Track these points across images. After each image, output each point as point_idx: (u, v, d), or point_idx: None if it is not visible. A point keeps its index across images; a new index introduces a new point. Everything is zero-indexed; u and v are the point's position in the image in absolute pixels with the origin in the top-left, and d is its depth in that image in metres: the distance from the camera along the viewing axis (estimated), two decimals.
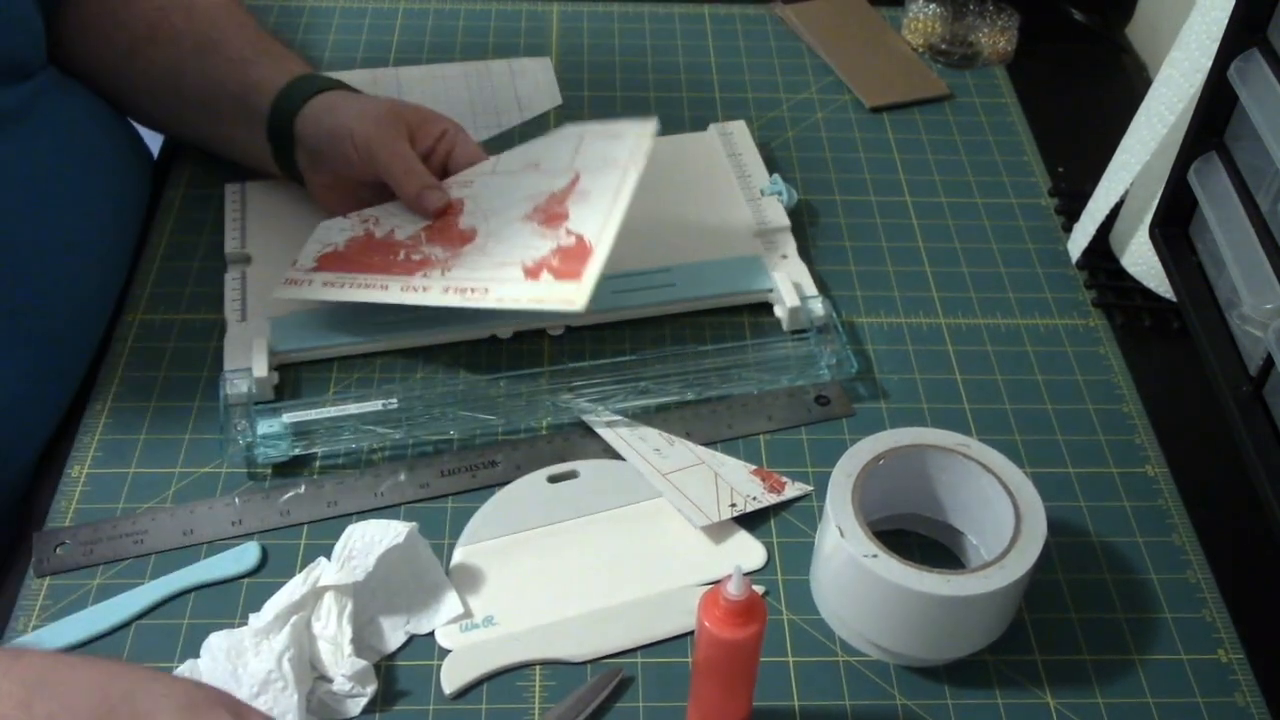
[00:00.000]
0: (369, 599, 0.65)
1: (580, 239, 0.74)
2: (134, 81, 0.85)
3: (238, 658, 0.61)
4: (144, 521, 0.69)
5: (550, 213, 0.77)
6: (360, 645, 0.64)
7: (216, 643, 0.62)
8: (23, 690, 0.52)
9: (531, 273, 0.73)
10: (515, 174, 0.81)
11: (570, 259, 0.73)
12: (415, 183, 0.79)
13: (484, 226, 0.78)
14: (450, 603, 0.66)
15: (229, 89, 0.82)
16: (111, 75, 0.85)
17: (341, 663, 0.62)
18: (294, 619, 0.62)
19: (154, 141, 0.96)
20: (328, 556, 0.65)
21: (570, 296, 0.71)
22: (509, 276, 0.73)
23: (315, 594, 0.64)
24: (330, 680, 0.62)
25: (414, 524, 0.65)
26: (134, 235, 0.86)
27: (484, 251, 0.76)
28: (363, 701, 0.62)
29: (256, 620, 0.63)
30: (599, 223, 0.74)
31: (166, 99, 0.85)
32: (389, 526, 0.65)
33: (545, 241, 0.75)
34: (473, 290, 0.73)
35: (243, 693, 0.60)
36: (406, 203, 0.80)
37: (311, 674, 0.62)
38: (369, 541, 0.64)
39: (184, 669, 0.62)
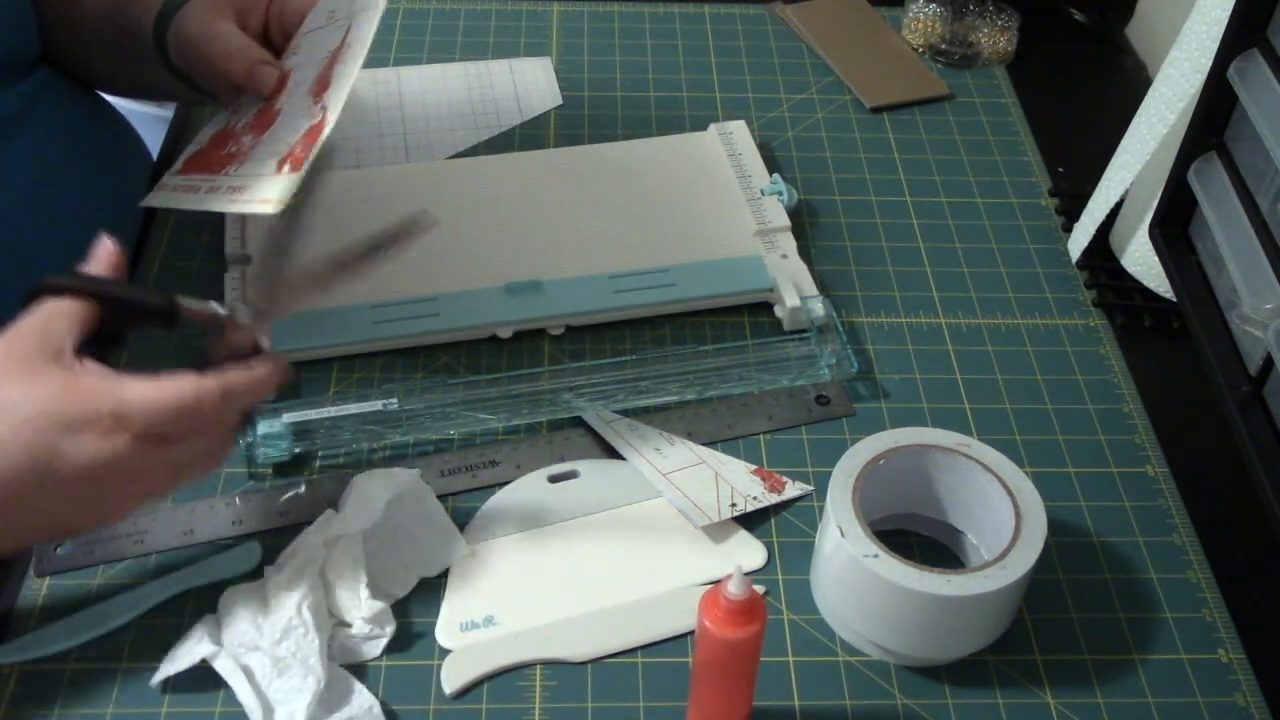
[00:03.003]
0: (378, 546, 0.66)
1: (325, 113, 0.66)
2: (80, 47, 0.82)
3: (258, 609, 0.62)
4: (144, 521, 0.69)
5: (324, 80, 0.68)
6: (373, 591, 0.65)
7: (233, 597, 0.63)
8: None
9: (280, 164, 0.66)
10: (320, 30, 0.74)
11: (307, 140, 0.66)
12: (240, 64, 0.71)
13: (286, 105, 0.71)
14: (457, 545, 0.68)
15: (136, 29, 0.77)
16: (72, 48, 0.83)
17: (359, 606, 0.63)
18: (309, 569, 0.63)
19: (154, 142, 0.96)
20: (335, 508, 0.66)
21: (272, 194, 0.64)
22: (265, 170, 0.67)
23: (327, 544, 0.65)
24: (349, 625, 0.64)
25: (417, 470, 0.67)
26: (134, 236, 0.86)
27: (273, 138, 0.70)
28: (382, 642, 0.64)
29: (272, 573, 0.64)
30: (340, 87, 0.66)
31: (102, 55, 0.82)
32: (394, 475, 0.67)
33: (306, 121, 0.67)
34: (240, 190, 0.68)
35: (264, 641, 0.61)
36: (245, 89, 0.73)
37: (330, 620, 0.63)
38: (375, 490, 0.66)
39: (201, 626, 0.63)
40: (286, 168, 0.64)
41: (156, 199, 0.76)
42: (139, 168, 0.89)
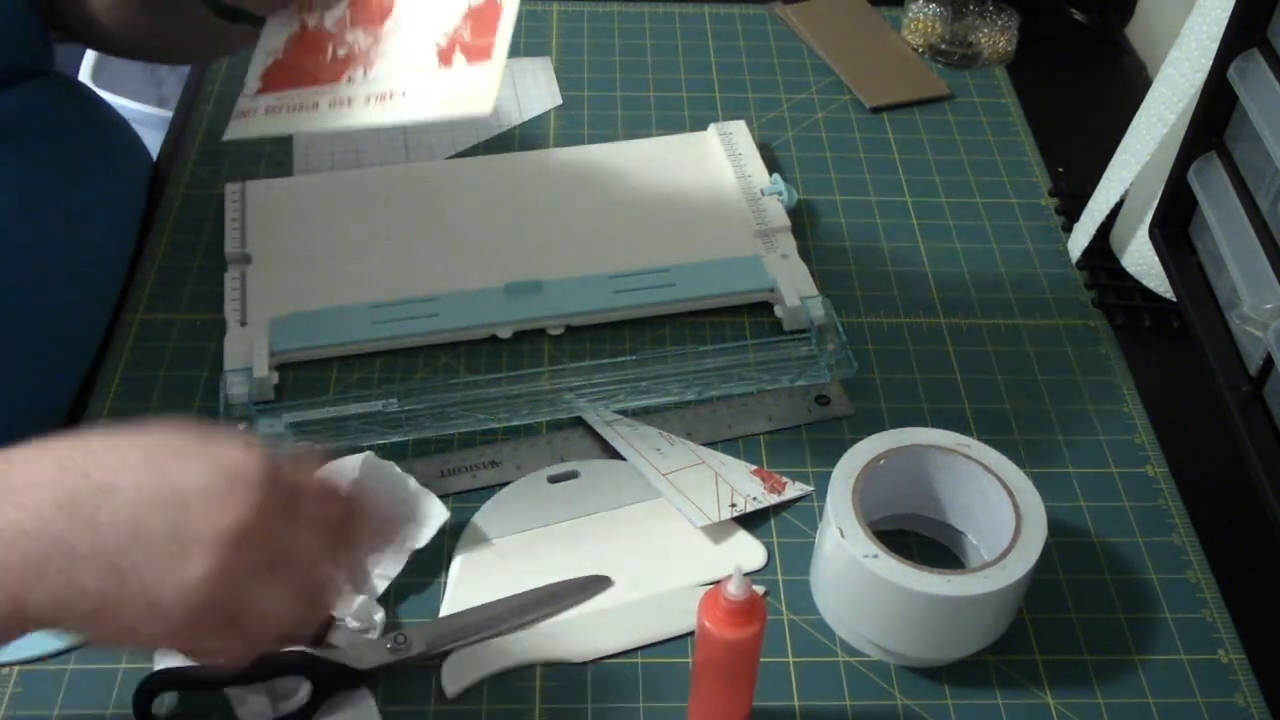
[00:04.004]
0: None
1: None
2: (97, 31, 0.79)
3: None
4: None
5: None
6: (365, 579, 0.65)
7: None
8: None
9: (444, 56, 0.62)
10: None
11: (481, 26, 0.61)
12: None
13: None
14: (437, 511, 0.68)
15: None
16: (90, 32, 0.80)
17: (343, 604, 0.63)
18: None
19: (154, 142, 0.96)
20: None
21: (479, 93, 0.60)
22: (423, 65, 0.63)
23: None
24: (340, 621, 0.64)
25: (366, 453, 0.67)
26: (132, 237, 0.86)
27: (400, 27, 0.65)
28: (373, 635, 0.64)
29: None
30: None
31: (126, 25, 0.78)
32: (342, 465, 0.66)
33: (458, 3, 0.62)
34: (390, 96, 0.63)
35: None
36: None
37: None
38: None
39: None
40: (459, 59, 0.60)
41: (244, 129, 0.68)
42: (138, 169, 0.89)
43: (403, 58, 0.64)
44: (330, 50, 0.66)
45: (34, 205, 0.74)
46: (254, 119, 0.68)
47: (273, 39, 0.70)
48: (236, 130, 0.69)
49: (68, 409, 0.76)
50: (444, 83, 0.61)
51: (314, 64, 0.67)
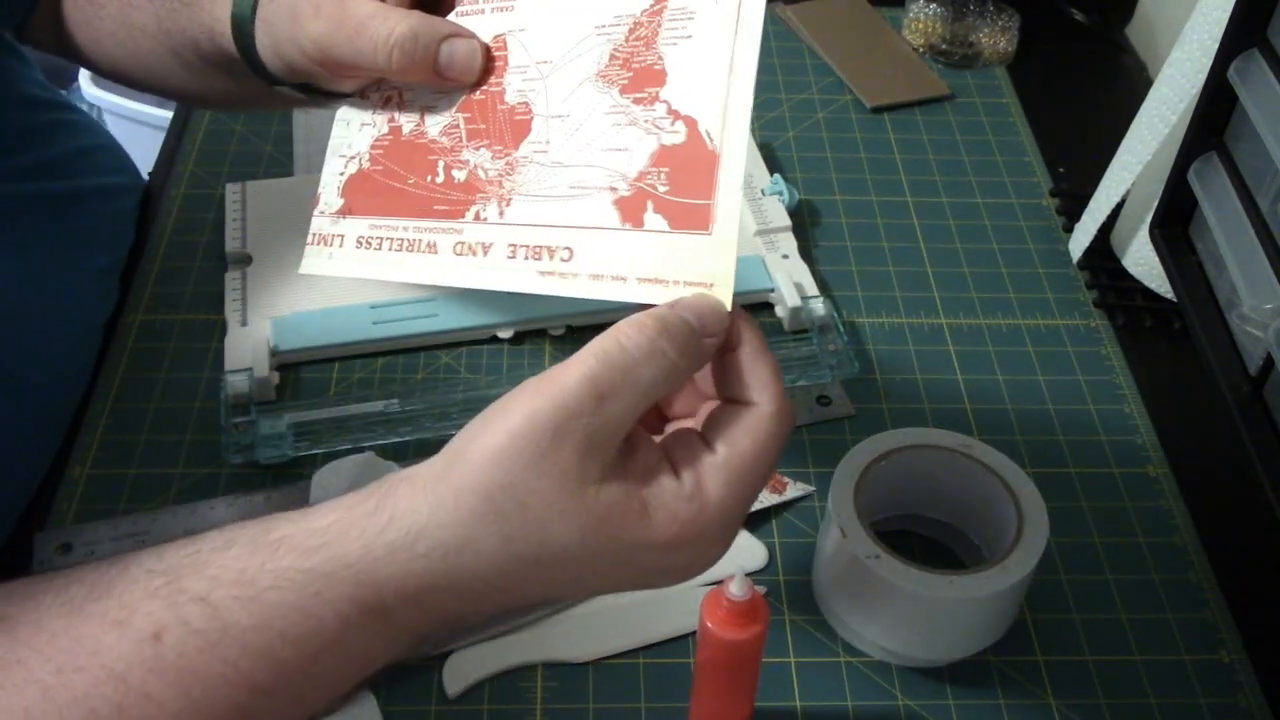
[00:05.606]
0: None
1: (693, 129, 0.46)
2: (100, 44, 0.73)
3: None
4: (145, 522, 0.69)
5: (635, 66, 0.48)
6: None
7: None
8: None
9: (629, 210, 0.46)
10: None
11: (685, 177, 0.46)
12: (406, 56, 0.52)
13: (540, 98, 0.51)
14: None
15: (192, 35, 0.64)
16: (77, 40, 0.75)
17: None
18: None
19: (154, 142, 0.96)
20: None
21: (702, 273, 0.46)
22: (596, 216, 0.47)
23: None
24: None
25: (367, 453, 0.67)
26: (121, 255, 0.84)
27: (549, 153, 0.49)
28: None
29: None
30: (718, 96, 0.46)
31: (137, 57, 0.72)
32: (342, 465, 0.67)
33: (638, 135, 0.47)
34: (550, 253, 0.48)
35: None
36: (422, 82, 0.54)
37: None
38: (333, 482, 0.66)
39: None
40: (656, 221, 0.45)
41: (327, 264, 0.54)
42: (128, 189, 0.87)
43: (561, 203, 0.48)
44: (441, 169, 0.52)
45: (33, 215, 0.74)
46: (341, 253, 0.54)
47: (351, 138, 0.56)
48: (317, 264, 0.55)
49: (70, 411, 0.76)
50: (640, 252, 0.46)
51: (418, 190, 0.53)
